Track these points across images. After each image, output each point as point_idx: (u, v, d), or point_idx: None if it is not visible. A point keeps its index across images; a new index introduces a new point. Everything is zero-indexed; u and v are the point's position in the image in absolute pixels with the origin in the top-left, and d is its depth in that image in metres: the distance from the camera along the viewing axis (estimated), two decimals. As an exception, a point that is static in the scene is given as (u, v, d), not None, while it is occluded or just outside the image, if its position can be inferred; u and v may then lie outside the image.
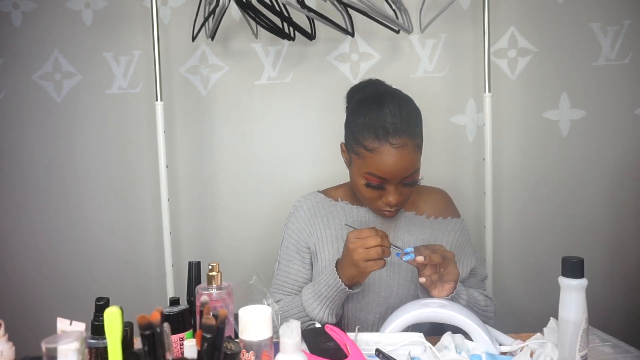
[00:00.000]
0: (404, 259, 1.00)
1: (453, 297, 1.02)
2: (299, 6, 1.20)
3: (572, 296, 0.77)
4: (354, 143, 1.07)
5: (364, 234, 0.99)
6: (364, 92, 1.14)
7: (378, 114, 1.04)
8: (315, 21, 1.46)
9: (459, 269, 1.04)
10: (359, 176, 1.08)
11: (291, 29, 1.48)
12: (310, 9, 1.25)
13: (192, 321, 0.84)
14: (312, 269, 1.19)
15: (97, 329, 0.76)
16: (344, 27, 1.38)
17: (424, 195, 1.24)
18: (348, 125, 1.12)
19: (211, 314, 0.61)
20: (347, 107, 1.17)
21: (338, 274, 1.04)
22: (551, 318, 0.95)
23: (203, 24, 1.41)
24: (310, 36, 1.47)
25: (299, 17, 1.41)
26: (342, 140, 1.17)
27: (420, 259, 0.98)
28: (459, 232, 1.21)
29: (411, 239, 1.17)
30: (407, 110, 1.07)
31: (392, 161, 1.02)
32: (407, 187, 1.07)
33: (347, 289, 1.03)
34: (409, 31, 1.39)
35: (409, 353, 0.88)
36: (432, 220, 1.20)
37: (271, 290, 1.17)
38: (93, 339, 0.76)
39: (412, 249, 1.00)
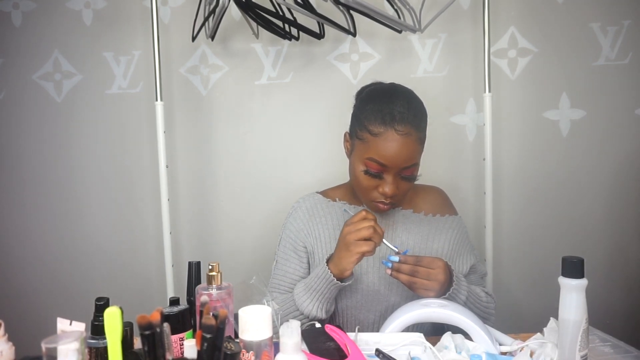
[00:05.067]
0: (384, 262, 1.05)
1: (452, 293, 1.03)
2: (308, 12, 1.20)
3: (572, 296, 0.77)
4: (359, 128, 1.09)
5: (357, 218, 1.03)
6: (376, 86, 1.16)
7: (388, 102, 1.07)
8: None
9: (453, 270, 1.06)
10: (359, 162, 1.08)
11: (292, 28, 1.49)
12: (315, 12, 1.25)
13: (192, 321, 0.84)
14: (309, 269, 1.20)
15: (97, 329, 0.76)
16: (346, 27, 1.38)
17: (421, 193, 1.24)
18: (355, 113, 1.14)
19: (211, 314, 0.61)
20: (354, 104, 1.17)
21: (329, 267, 1.04)
22: (551, 318, 0.95)
23: (203, 24, 1.41)
24: (319, 36, 1.47)
25: (300, 17, 1.40)
26: (343, 139, 1.18)
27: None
28: (457, 230, 1.21)
29: (409, 237, 1.17)
30: (416, 105, 1.09)
31: (395, 147, 1.03)
32: (404, 181, 1.08)
33: (336, 280, 1.04)
34: (414, 30, 1.39)
35: (409, 353, 0.88)
36: (430, 218, 1.21)
37: (268, 289, 1.17)
38: (93, 339, 0.76)
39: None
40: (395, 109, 1.05)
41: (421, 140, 1.08)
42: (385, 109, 1.06)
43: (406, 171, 1.07)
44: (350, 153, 1.15)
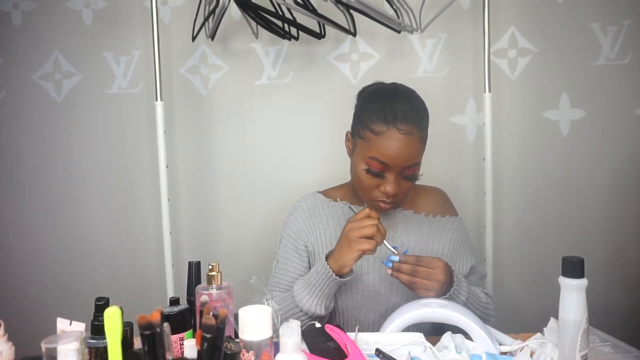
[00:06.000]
0: (384, 262, 1.05)
1: (452, 293, 1.03)
2: (308, 12, 1.21)
3: (572, 296, 0.77)
4: (362, 127, 1.09)
5: (361, 215, 1.03)
6: (378, 85, 1.17)
7: (390, 102, 1.07)
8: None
9: (454, 270, 1.06)
10: (361, 161, 1.09)
11: (292, 28, 1.48)
12: (315, 12, 1.25)
13: (192, 321, 0.84)
14: (310, 268, 1.20)
15: (97, 329, 0.76)
16: (347, 27, 1.38)
17: (421, 194, 1.24)
18: (357, 112, 1.14)
19: (211, 314, 0.61)
20: (356, 104, 1.17)
21: (328, 263, 1.05)
22: (551, 318, 0.95)
23: (203, 24, 1.41)
24: (320, 35, 1.47)
25: (300, 17, 1.40)
26: (345, 138, 1.18)
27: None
28: (457, 230, 1.21)
29: (410, 237, 1.17)
30: (418, 105, 1.10)
31: (397, 146, 1.04)
32: (405, 180, 1.08)
33: (334, 276, 1.04)
34: (411, 31, 1.39)
35: (409, 353, 0.88)
36: (431, 219, 1.21)
37: (269, 288, 1.17)
38: (93, 339, 0.76)
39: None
40: (398, 108, 1.05)
41: (423, 139, 1.09)
42: (387, 108, 1.06)
43: (408, 170, 1.07)
44: (351, 152, 1.15)
